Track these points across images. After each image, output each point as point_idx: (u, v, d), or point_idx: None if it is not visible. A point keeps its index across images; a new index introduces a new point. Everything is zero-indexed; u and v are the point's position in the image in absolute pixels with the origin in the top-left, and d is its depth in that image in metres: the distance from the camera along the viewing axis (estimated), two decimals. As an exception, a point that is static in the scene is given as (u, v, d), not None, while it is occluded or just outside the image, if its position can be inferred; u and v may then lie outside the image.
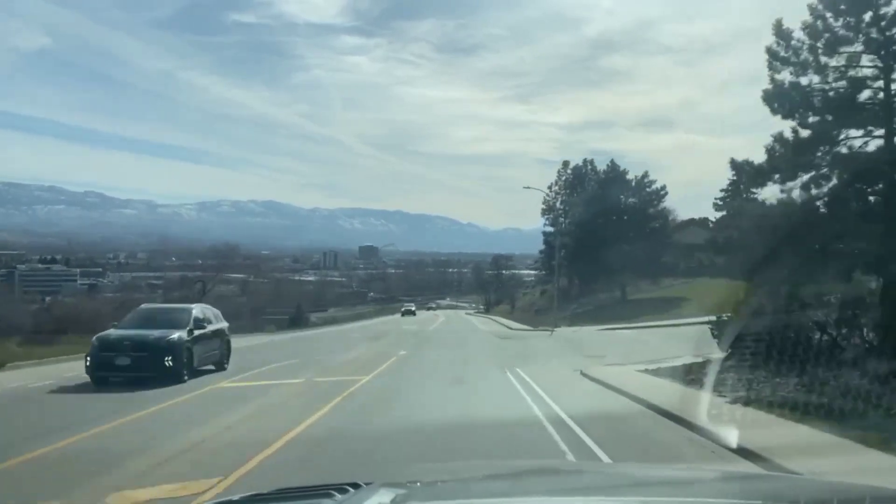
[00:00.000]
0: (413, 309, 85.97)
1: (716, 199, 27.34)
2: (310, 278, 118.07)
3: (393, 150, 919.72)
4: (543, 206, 72.36)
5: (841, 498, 2.38)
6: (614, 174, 61.68)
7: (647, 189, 59.52)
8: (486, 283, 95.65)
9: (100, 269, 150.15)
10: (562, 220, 70.46)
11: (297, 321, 63.28)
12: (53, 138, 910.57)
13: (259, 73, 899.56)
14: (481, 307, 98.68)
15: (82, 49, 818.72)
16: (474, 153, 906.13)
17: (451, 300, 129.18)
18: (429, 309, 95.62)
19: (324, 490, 2.41)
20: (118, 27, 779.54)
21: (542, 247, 73.35)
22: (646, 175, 59.97)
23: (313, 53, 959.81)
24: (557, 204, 72.55)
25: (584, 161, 74.68)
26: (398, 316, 78.97)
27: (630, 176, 61.16)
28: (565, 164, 74.37)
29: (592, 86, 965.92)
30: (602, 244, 53.70)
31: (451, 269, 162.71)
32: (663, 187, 60.13)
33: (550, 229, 71.79)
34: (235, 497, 2.53)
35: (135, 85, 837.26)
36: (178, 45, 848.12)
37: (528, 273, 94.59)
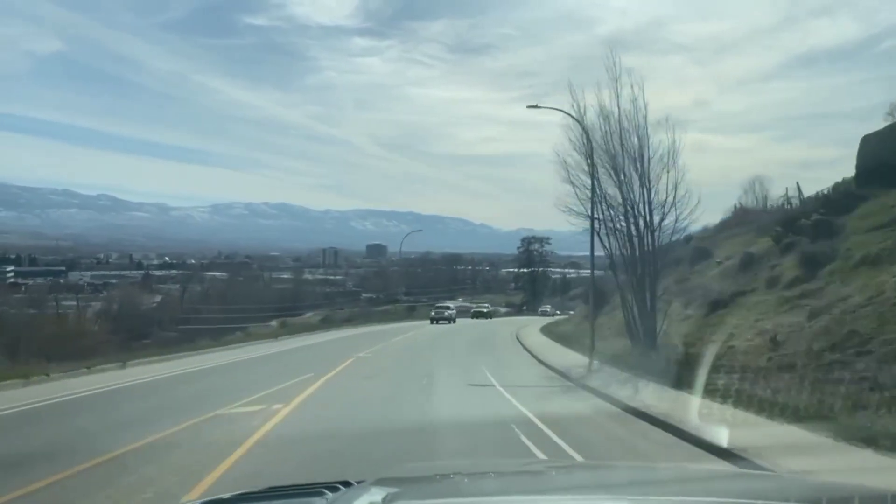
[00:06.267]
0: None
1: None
2: (286, 276, 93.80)
3: (405, 152, 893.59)
4: None
5: (830, 497, 2.28)
6: None
7: None
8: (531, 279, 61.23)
9: (63, 269, 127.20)
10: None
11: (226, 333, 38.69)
12: (67, 142, 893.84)
13: (271, 75, 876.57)
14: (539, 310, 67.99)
15: (95, 53, 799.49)
16: (486, 154, 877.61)
17: (463, 300, 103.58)
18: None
19: (315, 488, 2.35)
20: (131, 31, 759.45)
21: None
22: None
23: (325, 55, 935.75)
24: None
25: None
26: (372, 330, 43.98)
27: None
28: None
29: (604, 85, 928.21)
30: None
31: (462, 267, 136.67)
32: None
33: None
34: (226, 496, 2.43)
35: (147, 88, 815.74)
36: (191, 49, 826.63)
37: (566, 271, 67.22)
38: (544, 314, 74.63)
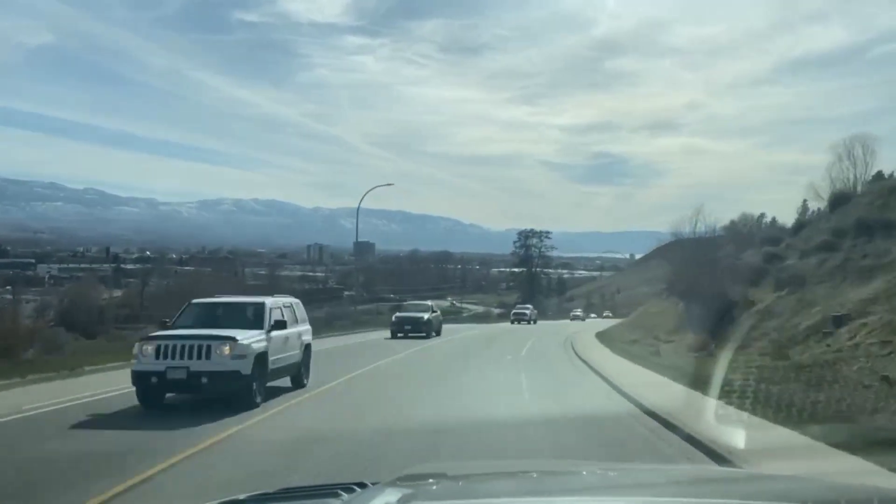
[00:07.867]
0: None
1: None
2: (263, 272, 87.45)
3: (397, 150, 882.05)
4: None
5: (849, 498, 2.25)
6: None
7: None
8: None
9: (32, 261, 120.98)
10: None
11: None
12: (55, 135, 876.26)
13: (263, 72, 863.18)
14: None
15: (86, 46, 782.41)
16: (478, 154, 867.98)
17: (452, 300, 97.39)
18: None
19: (330, 489, 2.35)
20: (122, 25, 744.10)
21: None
22: None
23: (318, 53, 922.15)
24: None
25: None
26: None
27: None
28: None
29: (598, 88, 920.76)
30: None
31: (451, 266, 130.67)
32: None
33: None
34: (242, 496, 2.38)
35: (138, 83, 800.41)
36: (183, 44, 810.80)
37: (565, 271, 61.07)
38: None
